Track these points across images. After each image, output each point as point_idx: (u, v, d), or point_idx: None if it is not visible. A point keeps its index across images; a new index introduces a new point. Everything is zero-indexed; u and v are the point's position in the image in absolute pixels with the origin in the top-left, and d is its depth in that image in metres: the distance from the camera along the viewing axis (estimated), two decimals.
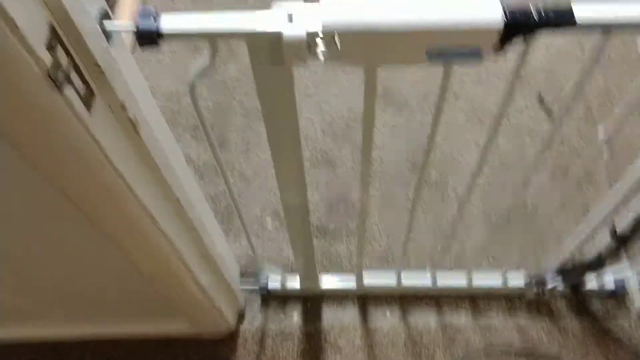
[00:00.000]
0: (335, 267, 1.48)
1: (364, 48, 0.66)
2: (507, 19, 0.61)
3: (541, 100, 1.67)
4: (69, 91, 0.56)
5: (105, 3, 0.62)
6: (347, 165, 1.62)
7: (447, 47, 0.64)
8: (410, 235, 1.41)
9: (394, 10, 0.63)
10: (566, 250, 1.32)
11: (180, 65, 1.79)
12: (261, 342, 1.40)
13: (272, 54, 0.66)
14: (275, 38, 0.64)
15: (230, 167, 1.60)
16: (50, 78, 0.53)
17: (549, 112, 1.67)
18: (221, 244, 1.24)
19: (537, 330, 1.38)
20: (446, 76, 0.75)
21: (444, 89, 0.77)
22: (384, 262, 1.48)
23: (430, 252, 1.49)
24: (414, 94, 1.73)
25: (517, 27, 0.63)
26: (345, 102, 1.72)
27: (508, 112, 1.67)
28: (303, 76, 1.76)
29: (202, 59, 0.69)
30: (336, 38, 0.64)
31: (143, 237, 0.87)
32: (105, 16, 0.62)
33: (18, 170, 0.67)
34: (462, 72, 1.73)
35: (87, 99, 0.61)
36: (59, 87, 0.55)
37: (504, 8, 0.61)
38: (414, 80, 1.74)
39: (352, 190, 1.58)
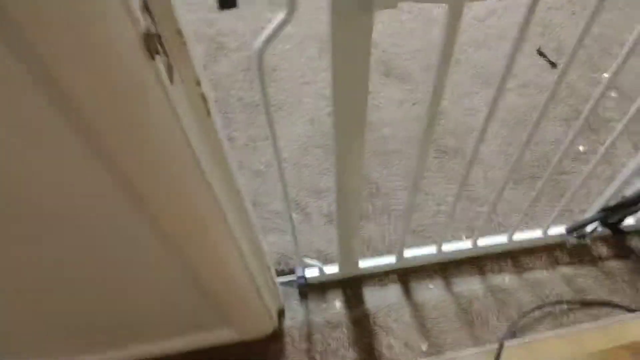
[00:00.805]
0: (370, 250, 1.44)
1: None
2: None
3: (542, 54, 1.67)
4: (159, 58, 0.51)
5: None
6: None
7: None
8: (440, 208, 1.38)
9: None
10: (605, 194, 1.31)
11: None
12: (308, 336, 1.35)
13: None
14: None
15: (240, 166, 1.54)
16: (146, 43, 0.48)
17: (552, 64, 1.66)
18: (261, 238, 1.19)
19: (585, 278, 1.37)
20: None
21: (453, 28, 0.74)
22: (418, 237, 1.45)
23: (463, 222, 1.46)
24: (415, 66, 1.70)
25: None
26: None
27: (514, 71, 1.67)
28: (300, 63, 1.71)
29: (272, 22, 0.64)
30: None
31: (207, 231, 0.81)
32: None
33: (81, 149, 0.60)
34: (463, 40, 1.71)
35: (169, 71, 0.55)
36: (152, 52, 0.49)
37: None
38: (414, 51, 1.72)
39: (372, 170, 1.55)
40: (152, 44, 0.49)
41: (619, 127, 1.10)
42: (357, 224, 1.17)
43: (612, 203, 1.30)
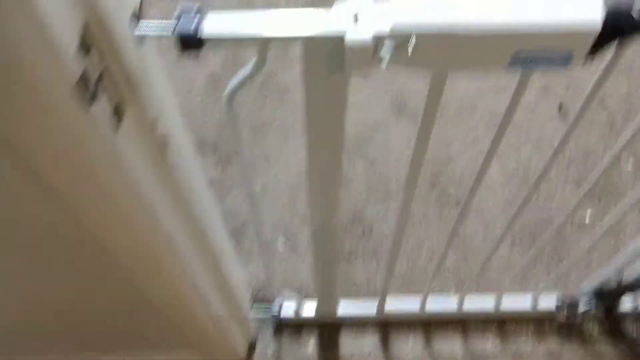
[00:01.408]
0: (353, 292, 1.38)
1: (438, 52, 0.56)
2: (609, 19, 0.53)
3: (562, 109, 1.60)
4: (97, 106, 0.46)
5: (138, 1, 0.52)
6: (361, 182, 1.53)
7: (536, 52, 0.56)
8: (433, 258, 1.32)
9: (478, 9, 0.54)
10: (604, 272, 1.24)
11: (186, 73, 1.69)
12: None
13: (331, 60, 0.57)
14: (337, 42, 0.54)
15: (236, 184, 1.50)
16: (80, 89, 0.43)
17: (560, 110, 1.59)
18: (234, 269, 1.14)
19: (570, 356, 1.29)
20: (522, 85, 0.66)
21: (516, 99, 0.68)
22: (406, 286, 1.39)
23: (455, 274, 1.40)
24: None
25: (619, 29, 0.54)
26: (356, 116, 1.63)
27: (530, 124, 1.60)
28: None
29: (243, 69, 0.59)
30: (411, 40, 0.55)
31: (160, 267, 0.77)
32: (137, 17, 0.52)
33: (28, 188, 0.56)
34: (483, 85, 1.65)
35: (116, 115, 0.51)
36: (88, 101, 0.45)
37: (607, 7, 0.53)
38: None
39: (367, 208, 1.49)
40: (88, 88, 0.44)
41: (629, 198, 1.03)
42: (334, 264, 1.12)
43: (610, 283, 1.23)
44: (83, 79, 0.44)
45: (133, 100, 0.53)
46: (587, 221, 1.49)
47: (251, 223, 1.45)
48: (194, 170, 0.79)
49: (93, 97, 0.45)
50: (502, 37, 0.54)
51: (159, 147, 0.61)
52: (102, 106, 0.47)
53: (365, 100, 1.65)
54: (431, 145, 1.50)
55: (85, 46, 0.43)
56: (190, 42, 0.52)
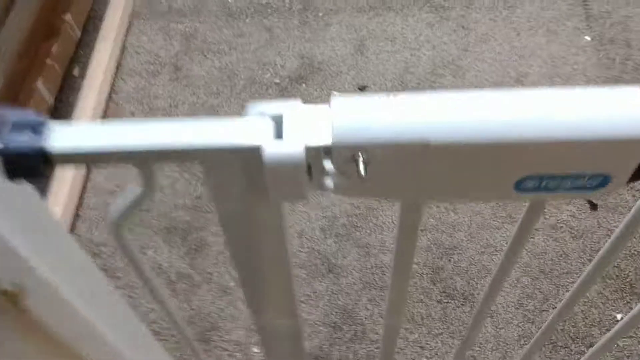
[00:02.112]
0: None
1: (406, 176, 0.39)
2: None
3: None
4: None
5: None
6: (354, 274, 1.33)
7: (556, 175, 0.37)
8: None
9: (470, 107, 0.36)
10: None
11: None
12: None
13: (247, 181, 0.39)
14: (251, 158, 0.37)
15: (207, 279, 1.30)
16: None
17: (592, 205, 1.40)
18: None
19: None
20: (534, 214, 0.47)
21: (524, 230, 0.50)
22: None
23: None
24: None
25: None
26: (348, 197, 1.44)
27: (544, 208, 1.40)
28: None
29: (125, 193, 0.42)
30: (360, 159, 0.37)
31: None
32: None
33: None
34: None
35: None
36: None
37: None
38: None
39: (360, 305, 1.29)
40: None
41: None
42: None
43: None
44: None
45: None
46: (619, 318, 1.28)
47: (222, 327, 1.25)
48: (100, 308, 0.61)
49: None
50: (505, 153, 0.36)
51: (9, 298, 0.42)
52: None
53: None
54: (432, 232, 1.30)
55: None
56: (31, 162, 0.35)
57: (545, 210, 1.40)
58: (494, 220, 1.39)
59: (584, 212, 1.39)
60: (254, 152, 0.37)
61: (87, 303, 0.59)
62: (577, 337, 1.24)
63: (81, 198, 1.42)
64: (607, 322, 1.26)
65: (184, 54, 1.68)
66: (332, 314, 1.28)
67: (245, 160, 0.38)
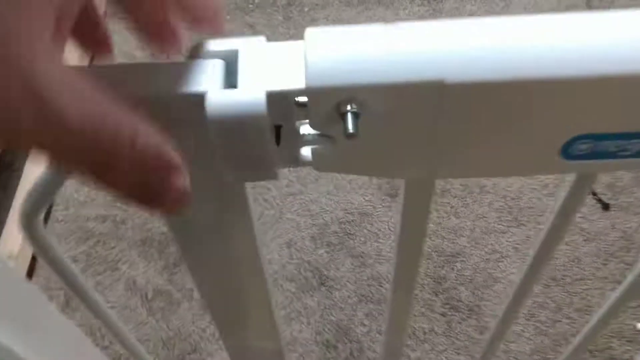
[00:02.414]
0: None
1: (412, 138, 0.28)
2: None
3: (593, 192, 1.30)
4: None
5: None
6: (348, 287, 1.21)
7: (617, 134, 0.27)
8: None
9: (495, 32, 0.25)
10: None
11: None
12: None
13: (196, 148, 0.28)
14: (195, 113, 0.26)
15: (187, 295, 1.18)
16: None
17: (604, 205, 1.29)
18: None
19: None
20: (581, 193, 0.37)
21: (569, 209, 0.39)
22: None
23: None
24: None
25: None
26: (340, 202, 1.33)
27: (554, 211, 1.30)
28: (287, 170, 1.38)
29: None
30: (348, 110, 0.26)
31: None
32: None
33: None
34: None
35: None
36: None
37: None
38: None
39: (356, 321, 1.17)
40: None
41: None
42: None
43: None
44: None
45: None
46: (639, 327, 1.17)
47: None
48: None
49: None
50: (553, 98, 0.25)
51: None
52: None
53: (352, 184, 1.36)
54: (432, 238, 1.19)
55: None
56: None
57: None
58: (499, 224, 1.28)
59: (595, 213, 1.28)
60: (196, 104, 0.26)
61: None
62: (595, 350, 1.13)
63: (48, 212, 1.30)
64: (627, 333, 1.15)
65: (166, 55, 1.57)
66: (325, 331, 1.16)
67: (189, 119, 0.27)
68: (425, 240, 0.40)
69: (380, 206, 1.32)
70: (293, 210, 1.32)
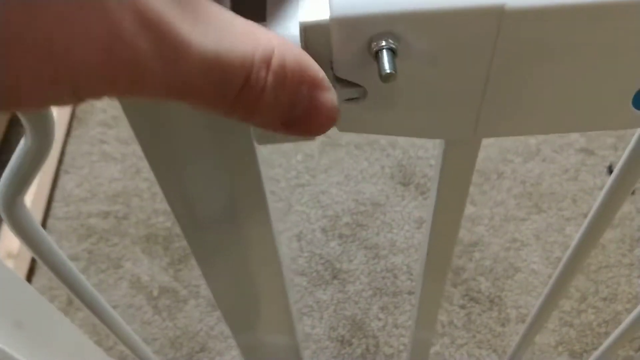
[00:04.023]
0: None
1: (461, 84, 0.23)
2: None
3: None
4: None
5: None
6: (362, 279, 1.16)
7: None
8: None
9: None
10: None
11: (132, 155, 1.36)
12: None
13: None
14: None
15: (194, 292, 1.13)
16: None
17: None
18: None
19: None
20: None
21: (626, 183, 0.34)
22: None
23: None
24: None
25: None
26: (351, 192, 1.28)
27: (575, 195, 1.24)
28: (296, 161, 1.33)
29: None
30: (384, 46, 0.21)
31: None
32: None
33: None
34: (508, 146, 1.30)
35: None
36: None
37: None
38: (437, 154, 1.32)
39: (371, 315, 1.12)
40: None
41: None
42: None
43: None
44: None
45: None
46: None
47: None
48: None
49: None
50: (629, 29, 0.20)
51: None
52: None
53: (363, 173, 1.30)
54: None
55: None
56: None
57: (576, 197, 1.24)
58: (518, 211, 1.22)
59: None
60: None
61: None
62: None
63: (47, 209, 1.25)
64: None
65: None
66: (339, 326, 1.11)
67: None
68: (463, 214, 0.35)
69: (393, 195, 1.27)
70: (302, 202, 1.27)
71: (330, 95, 0.21)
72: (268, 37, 0.19)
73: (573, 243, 0.45)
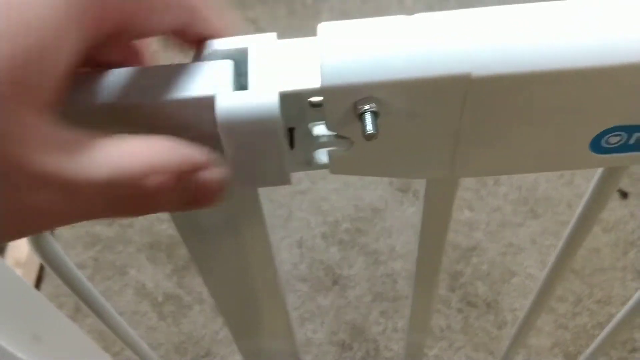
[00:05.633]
0: None
1: (435, 136, 0.26)
2: None
3: None
4: None
5: None
6: (362, 285, 1.19)
7: None
8: None
9: (524, 19, 0.23)
10: None
11: None
12: None
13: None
14: (205, 115, 0.24)
15: (198, 298, 1.17)
16: None
17: (623, 194, 1.26)
18: None
19: None
20: (609, 188, 0.35)
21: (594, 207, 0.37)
22: None
23: None
24: None
25: None
26: (350, 198, 1.31)
27: (570, 200, 1.27)
28: None
29: None
30: (367, 109, 0.24)
31: None
32: None
33: None
34: None
35: None
36: None
37: None
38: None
39: (371, 320, 1.15)
40: None
41: None
42: None
43: None
44: None
45: None
46: None
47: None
48: None
49: None
50: (586, 87, 0.23)
51: None
52: None
53: (362, 180, 1.33)
54: (451, 229, 1.16)
55: None
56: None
57: (571, 202, 1.27)
58: (514, 217, 1.25)
59: (613, 202, 1.25)
60: (205, 108, 0.24)
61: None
62: (616, 342, 1.10)
63: None
64: None
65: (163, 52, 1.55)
66: (339, 331, 1.14)
67: (198, 123, 0.25)
68: (446, 236, 0.38)
69: (392, 201, 1.30)
70: (303, 209, 1.30)
71: (213, 172, 0.23)
72: (149, 150, 0.21)
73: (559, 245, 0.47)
